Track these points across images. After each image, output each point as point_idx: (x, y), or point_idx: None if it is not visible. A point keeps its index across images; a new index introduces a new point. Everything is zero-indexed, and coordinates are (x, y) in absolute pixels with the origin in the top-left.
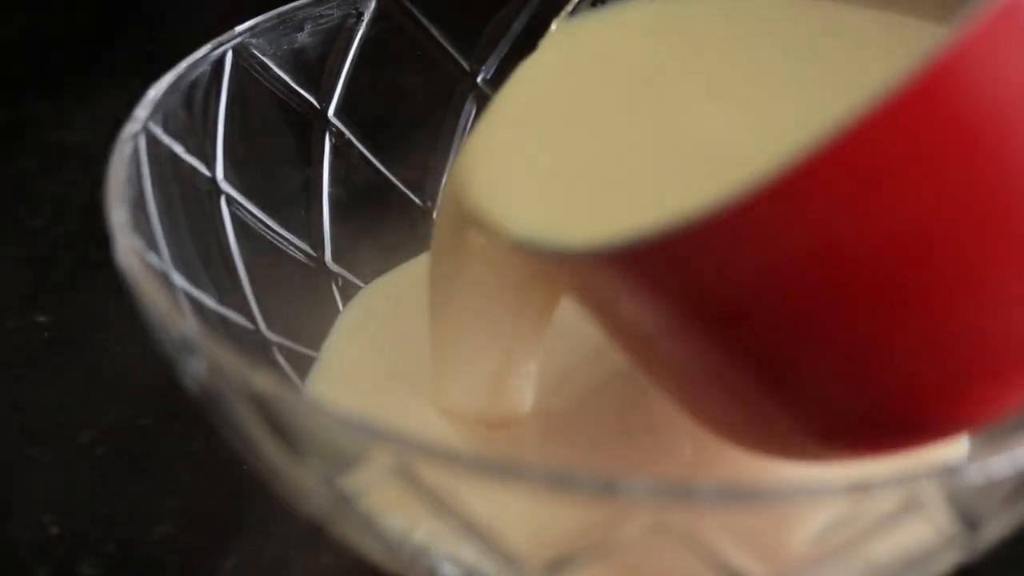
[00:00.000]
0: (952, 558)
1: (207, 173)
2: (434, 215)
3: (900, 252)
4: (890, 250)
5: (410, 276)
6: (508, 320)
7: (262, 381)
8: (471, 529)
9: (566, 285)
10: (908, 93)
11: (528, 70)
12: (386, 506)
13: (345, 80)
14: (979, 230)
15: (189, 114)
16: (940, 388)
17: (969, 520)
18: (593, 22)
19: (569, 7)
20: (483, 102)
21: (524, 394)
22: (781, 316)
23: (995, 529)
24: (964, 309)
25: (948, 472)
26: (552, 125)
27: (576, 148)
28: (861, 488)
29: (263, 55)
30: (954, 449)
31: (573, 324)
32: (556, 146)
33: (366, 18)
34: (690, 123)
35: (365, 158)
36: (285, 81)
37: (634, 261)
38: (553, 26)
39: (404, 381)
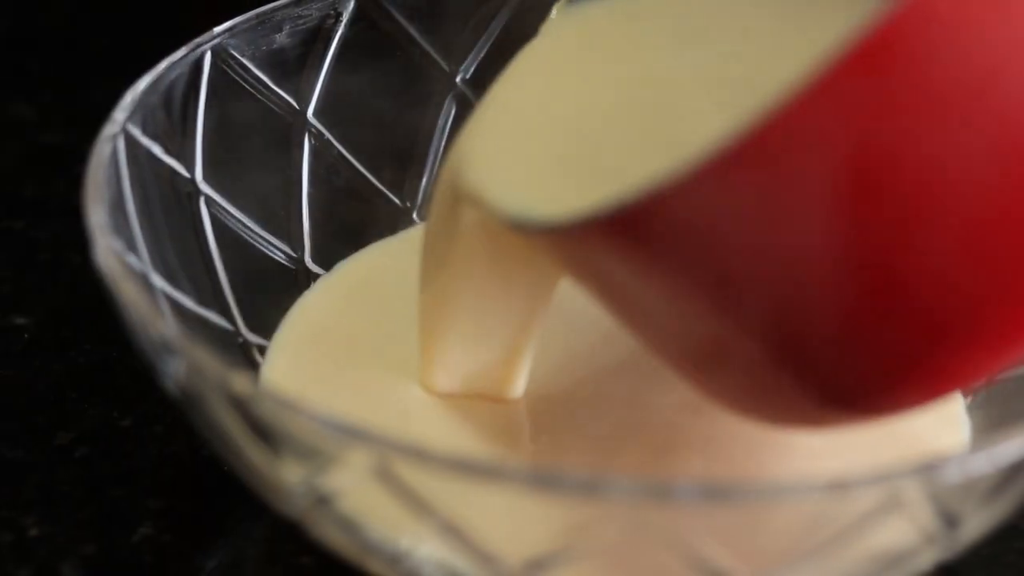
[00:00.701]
0: (933, 556)
1: (186, 174)
2: (412, 210)
3: (865, 203)
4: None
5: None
6: (496, 303)
7: (241, 382)
8: (450, 529)
9: (562, 262)
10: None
11: (527, 55)
12: (366, 506)
13: (324, 81)
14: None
15: (168, 115)
16: (934, 334)
17: (949, 518)
18: (591, 7)
19: None
20: (463, 102)
21: (515, 378)
22: (757, 277)
23: (975, 527)
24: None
25: (927, 469)
26: (545, 107)
27: (565, 128)
28: (840, 486)
29: (242, 56)
30: (954, 438)
31: (583, 314)
32: (547, 127)
33: (345, 19)
34: (665, 94)
35: (344, 159)
36: (264, 82)
37: (604, 228)
38: (553, 11)
39: (367, 363)
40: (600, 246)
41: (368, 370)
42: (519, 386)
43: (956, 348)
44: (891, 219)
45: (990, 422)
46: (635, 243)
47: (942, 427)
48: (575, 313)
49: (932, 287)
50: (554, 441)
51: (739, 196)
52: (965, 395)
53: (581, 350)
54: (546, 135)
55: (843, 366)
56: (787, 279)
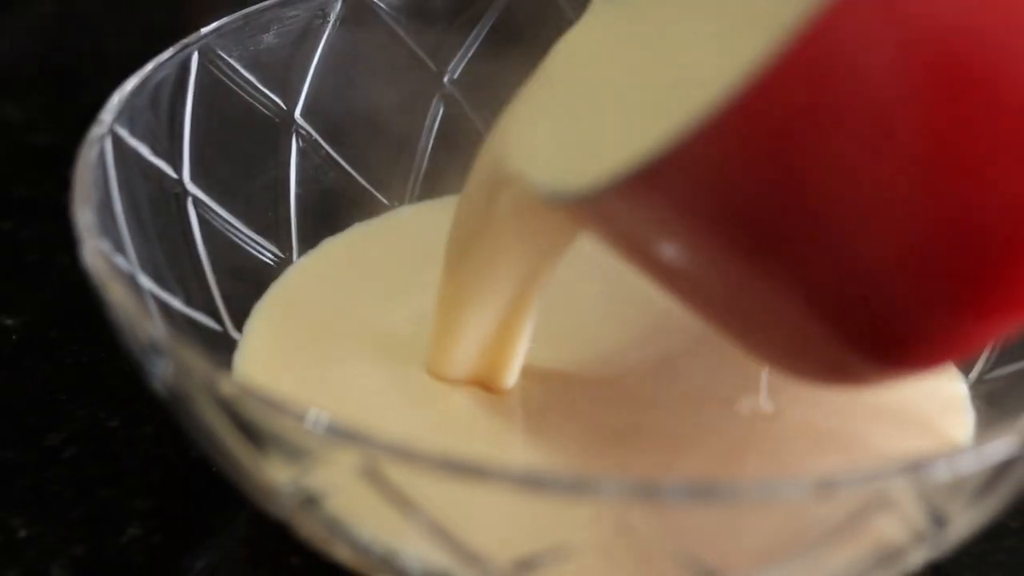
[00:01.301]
0: (922, 555)
1: (174, 175)
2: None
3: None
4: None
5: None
6: (512, 291)
7: (229, 383)
8: (437, 529)
9: (603, 232)
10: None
11: (567, 39)
12: (354, 507)
13: (311, 81)
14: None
15: (155, 116)
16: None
17: (938, 517)
18: None
19: None
20: (450, 103)
21: (512, 368)
22: (791, 219)
23: (964, 525)
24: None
25: (915, 468)
26: (575, 89)
27: (590, 107)
28: (829, 485)
29: (229, 56)
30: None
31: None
32: (575, 108)
33: (332, 19)
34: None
35: (332, 159)
36: (251, 82)
37: (630, 189)
38: None
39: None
40: (633, 207)
41: (344, 355)
42: (514, 375)
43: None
44: (938, 138)
45: (993, 416)
46: (664, 199)
47: (949, 417)
48: (573, 302)
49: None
50: (548, 433)
51: (764, 131)
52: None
53: (577, 341)
54: (571, 115)
55: (892, 304)
56: (826, 213)
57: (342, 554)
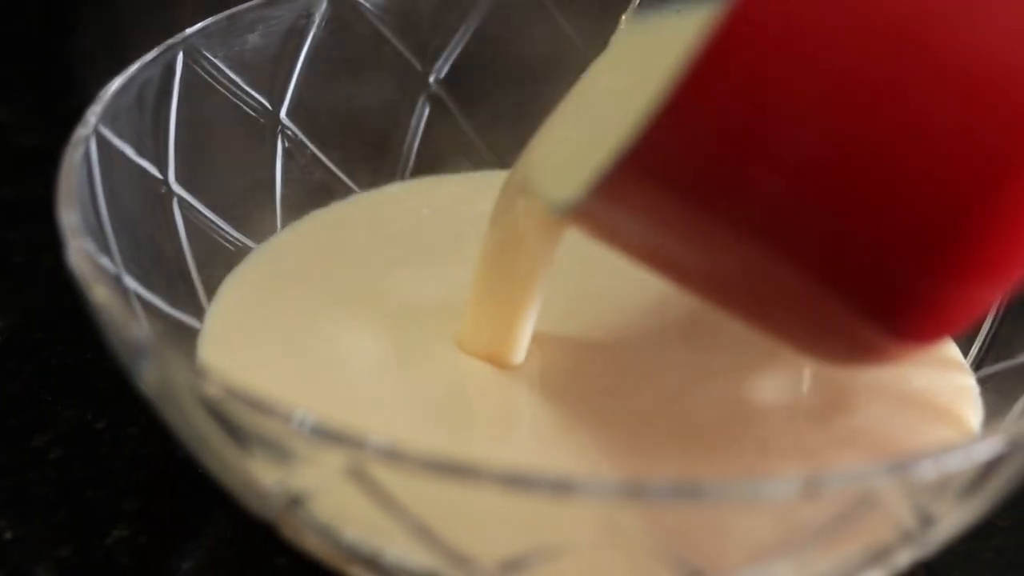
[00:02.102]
0: (910, 554)
1: (159, 175)
2: None
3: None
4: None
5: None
6: (528, 279)
7: (214, 385)
8: (424, 530)
9: (603, 238)
10: None
11: (595, 65)
12: (340, 507)
13: (297, 81)
14: None
15: (140, 116)
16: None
17: (925, 516)
18: (653, 15)
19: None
20: (436, 103)
21: (522, 347)
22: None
23: (952, 524)
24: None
25: (902, 467)
26: (583, 113)
27: (589, 129)
28: (815, 484)
29: (214, 56)
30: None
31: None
32: (579, 129)
33: (317, 19)
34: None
35: (317, 159)
36: (236, 82)
37: (593, 201)
38: (622, 22)
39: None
40: (614, 208)
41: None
42: (521, 355)
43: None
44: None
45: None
46: (638, 193)
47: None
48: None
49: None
50: (558, 410)
51: (716, 110)
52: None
53: (584, 319)
54: (578, 134)
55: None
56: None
57: (329, 555)
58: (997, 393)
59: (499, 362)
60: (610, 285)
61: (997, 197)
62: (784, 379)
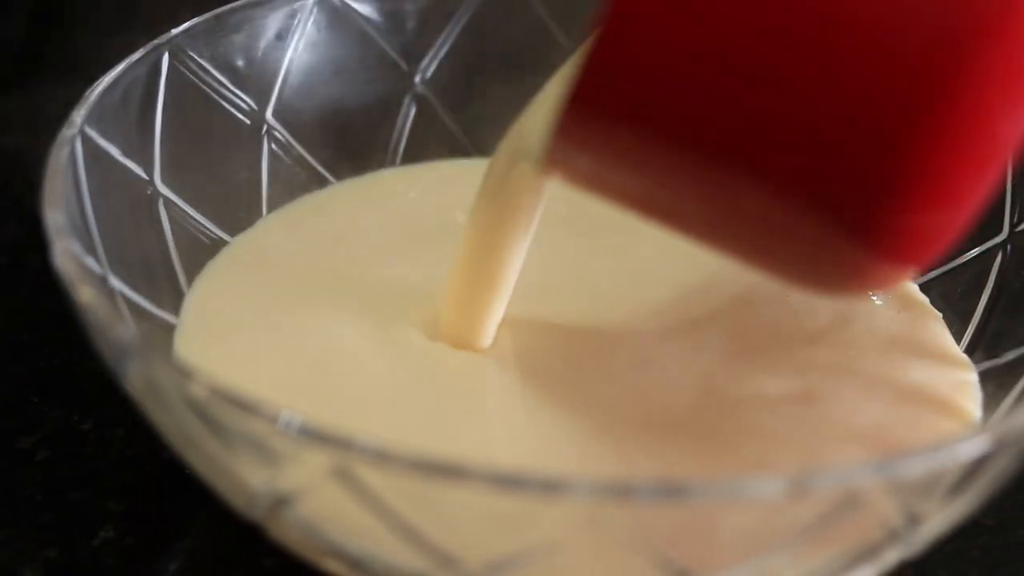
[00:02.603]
0: (897, 553)
1: (145, 176)
2: None
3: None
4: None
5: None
6: (514, 248)
7: (199, 385)
8: (409, 531)
9: (583, 185)
10: None
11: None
12: (326, 508)
13: (282, 82)
14: None
15: (126, 117)
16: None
17: (912, 515)
18: None
19: None
20: (422, 103)
21: (491, 330)
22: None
23: (938, 523)
24: None
25: (888, 466)
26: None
27: None
28: (801, 483)
29: (200, 57)
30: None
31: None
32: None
33: (303, 20)
34: None
35: (303, 159)
36: (223, 83)
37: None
38: None
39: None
40: (584, 148)
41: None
42: (490, 338)
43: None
44: None
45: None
46: (599, 119)
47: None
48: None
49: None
50: (519, 390)
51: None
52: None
53: (555, 307)
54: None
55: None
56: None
57: (315, 555)
58: (996, 386)
59: (470, 345)
60: (589, 272)
61: (947, 99)
62: (783, 372)
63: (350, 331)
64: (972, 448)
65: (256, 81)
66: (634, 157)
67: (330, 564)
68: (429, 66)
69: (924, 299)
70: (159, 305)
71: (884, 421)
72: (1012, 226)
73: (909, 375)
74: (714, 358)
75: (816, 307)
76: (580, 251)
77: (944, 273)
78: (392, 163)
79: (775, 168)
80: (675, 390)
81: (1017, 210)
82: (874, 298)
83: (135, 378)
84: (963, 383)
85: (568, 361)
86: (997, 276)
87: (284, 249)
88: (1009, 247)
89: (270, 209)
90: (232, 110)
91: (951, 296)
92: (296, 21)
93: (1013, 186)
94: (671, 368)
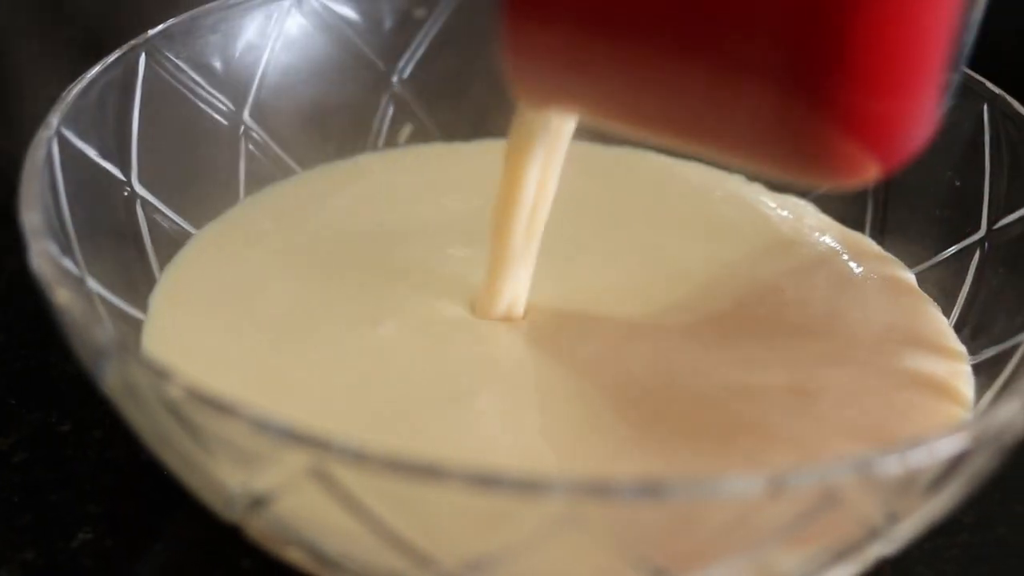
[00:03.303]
0: (876, 551)
1: (122, 177)
2: None
3: None
4: None
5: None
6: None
7: (176, 386)
8: (387, 531)
9: (571, 105)
10: None
11: None
12: (304, 508)
13: (259, 82)
14: None
15: (102, 118)
16: None
17: (890, 513)
18: None
19: None
20: (399, 103)
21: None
22: None
23: (917, 521)
24: None
25: (866, 464)
26: None
27: None
28: (779, 481)
29: (177, 57)
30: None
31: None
32: None
33: (280, 20)
34: None
35: (280, 160)
36: (199, 83)
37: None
38: None
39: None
40: (546, 65)
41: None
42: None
43: None
44: None
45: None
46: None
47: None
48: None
49: None
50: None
51: None
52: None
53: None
54: None
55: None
56: None
57: (293, 555)
58: (987, 376)
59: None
60: (612, 265)
61: None
62: (777, 365)
63: (325, 321)
64: (950, 446)
65: (233, 81)
66: (586, 57)
67: (307, 564)
68: (407, 66)
69: (918, 287)
70: (136, 306)
71: (879, 412)
72: (990, 223)
73: (905, 364)
74: (707, 352)
75: (808, 299)
76: (604, 243)
77: (926, 270)
78: None
79: (718, 42)
80: (666, 382)
81: (995, 207)
82: (869, 282)
83: (112, 379)
84: (959, 371)
85: (566, 352)
86: (975, 273)
87: (254, 233)
88: (987, 244)
89: None
90: (209, 111)
91: (931, 293)
92: (273, 21)
93: (991, 183)
94: (664, 361)
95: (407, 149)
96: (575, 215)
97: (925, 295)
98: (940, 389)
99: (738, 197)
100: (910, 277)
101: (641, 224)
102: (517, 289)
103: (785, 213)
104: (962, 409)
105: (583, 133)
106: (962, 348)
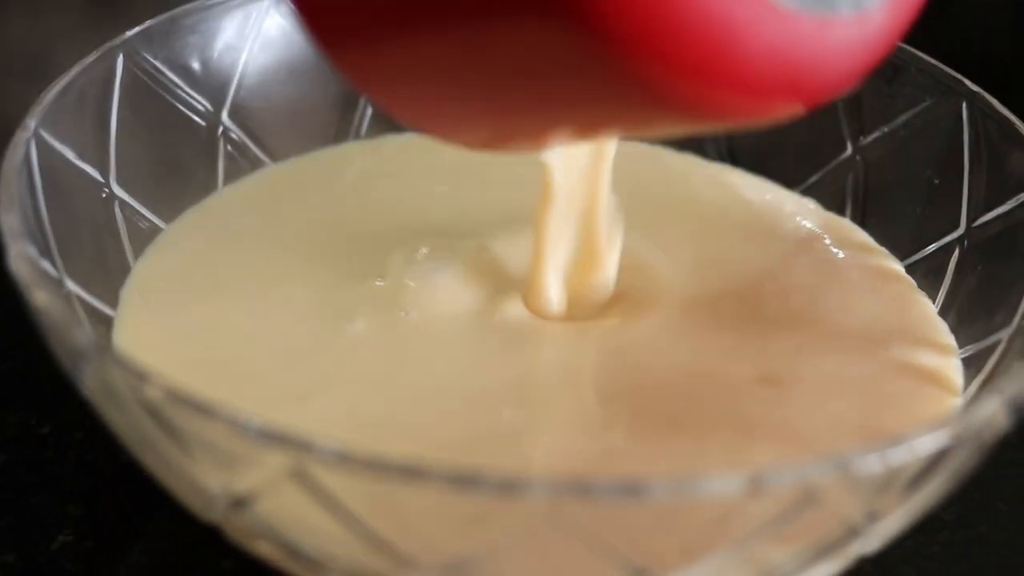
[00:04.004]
0: (856, 549)
1: (100, 178)
2: None
3: None
4: None
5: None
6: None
7: (155, 387)
8: (367, 532)
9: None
10: None
11: None
12: (284, 509)
13: (238, 82)
14: None
15: (81, 119)
16: None
17: (870, 511)
18: None
19: None
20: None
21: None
22: None
23: (897, 519)
24: None
25: (846, 463)
26: None
27: None
28: (758, 480)
29: (155, 58)
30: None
31: None
32: None
33: (258, 20)
34: None
35: (259, 160)
36: (178, 84)
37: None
38: None
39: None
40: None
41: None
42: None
43: None
44: None
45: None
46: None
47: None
48: None
49: None
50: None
51: None
52: None
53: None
54: None
55: None
56: None
57: (274, 556)
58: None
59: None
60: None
61: None
62: (765, 359)
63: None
64: (930, 443)
65: (212, 82)
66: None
67: (288, 564)
68: None
69: (906, 274)
70: (116, 308)
71: (866, 404)
72: (970, 221)
73: (893, 354)
74: (685, 342)
75: (789, 289)
76: None
77: (906, 268)
78: None
79: None
80: (643, 375)
81: (974, 205)
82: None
83: (91, 381)
84: (949, 362)
85: (533, 344)
86: (955, 271)
87: (228, 224)
88: (966, 242)
89: None
90: (187, 112)
91: None
92: (252, 21)
93: (970, 181)
94: (638, 353)
95: (386, 139)
96: None
97: (912, 282)
98: (930, 380)
99: (719, 183)
100: (896, 266)
101: (618, 211)
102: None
103: (768, 198)
104: (953, 400)
105: None
106: (951, 338)
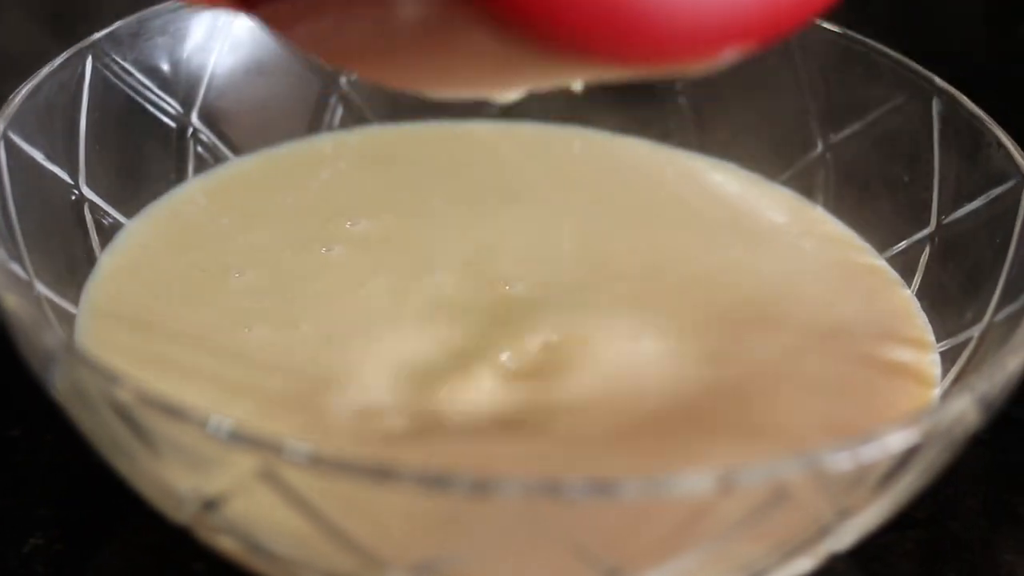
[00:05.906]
0: (828, 546)
1: (70, 180)
2: None
3: None
4: None
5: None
6: None
7: (125, 390)
8: (337, 533)
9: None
10: None
11: None
12: (254, 511)
13: (207, 84)
14: None
15: (50, 121)
16: None
17: (841, 508)
18: None
19: None
20: (348, 103)
21: None
22: None
23: (868, 517)
24: None
25: (816, 461)
26: None
27: None
28: (729, 479)
29: (124, 60)
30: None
31: None
32: None
33: (228, 21)
34: None
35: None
36: (147, 86)
37: None
38: None
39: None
40: None
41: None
42: None
43: None
44: None
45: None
46: None
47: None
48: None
49: None
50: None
51: None
52: None
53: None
54: None
55: None
56: None
57: (245, 558)
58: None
59: None
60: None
61: None
62: (747, 356)
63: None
64: (900, 441)
65: (181, 84)
66: None
67: (259, 566)
68: None
69: (888, 268)
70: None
71: (847, 401)
72: (939, 219)
73: (872, 349)
74: (658, 344)
75: (762, 284)
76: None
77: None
78: None
79: None
80: (616, 380)
81: (944, 203)
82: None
83: (61, 384)
84: (924, 357)
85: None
86: (925, 268)
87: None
88: (936, 239)
89: None
90: (157, 113)
91: None
92: (221, 23)
93: (940, 178)
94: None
95: (352, 131)
96: (514, 196)
97: (890, 275)
98: (907, 374)
99: (690, 175)
100: (873, 260)
101: (585, 204)
102: None
103: (741, 191)
104: (932, 394)
105: (523, 112)
106: (929, 333)
